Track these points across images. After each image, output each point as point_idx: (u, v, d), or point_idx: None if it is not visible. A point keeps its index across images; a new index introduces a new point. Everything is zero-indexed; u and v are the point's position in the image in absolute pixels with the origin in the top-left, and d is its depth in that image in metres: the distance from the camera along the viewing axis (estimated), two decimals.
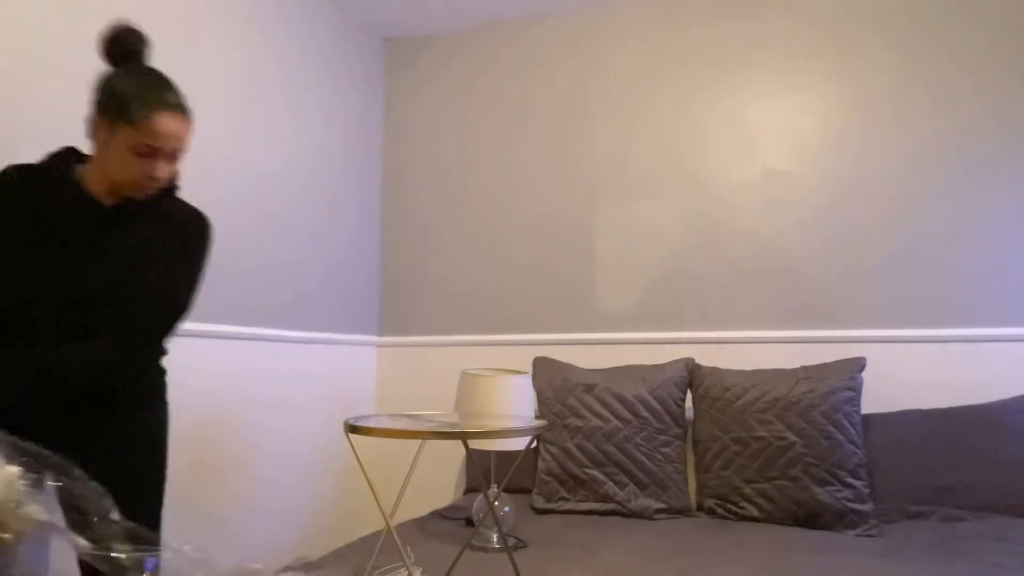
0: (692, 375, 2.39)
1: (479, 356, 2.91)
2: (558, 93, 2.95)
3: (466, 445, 1.37)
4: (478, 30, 3.10)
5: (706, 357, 2.61)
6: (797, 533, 1.99)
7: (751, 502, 2.13)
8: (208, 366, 2.19)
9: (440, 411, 2.89)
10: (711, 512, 2.21)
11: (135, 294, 1.35)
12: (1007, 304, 2.34)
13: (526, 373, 2.14)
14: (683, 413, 2.34)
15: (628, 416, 2.28)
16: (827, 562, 1.69)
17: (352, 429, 1.24)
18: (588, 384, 2.37)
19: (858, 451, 2.09)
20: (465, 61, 3.10)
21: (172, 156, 1.32)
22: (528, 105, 2.99)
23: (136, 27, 1.33)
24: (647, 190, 2.78)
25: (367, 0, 2.88)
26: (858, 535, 1.98)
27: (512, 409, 2.01)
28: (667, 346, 2.66)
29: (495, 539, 1.89)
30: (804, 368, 2.27)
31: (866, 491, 2.05)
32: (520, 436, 1.51)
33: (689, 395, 2.39)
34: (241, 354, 2.32)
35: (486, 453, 2.58)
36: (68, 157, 1.38)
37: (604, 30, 2.90)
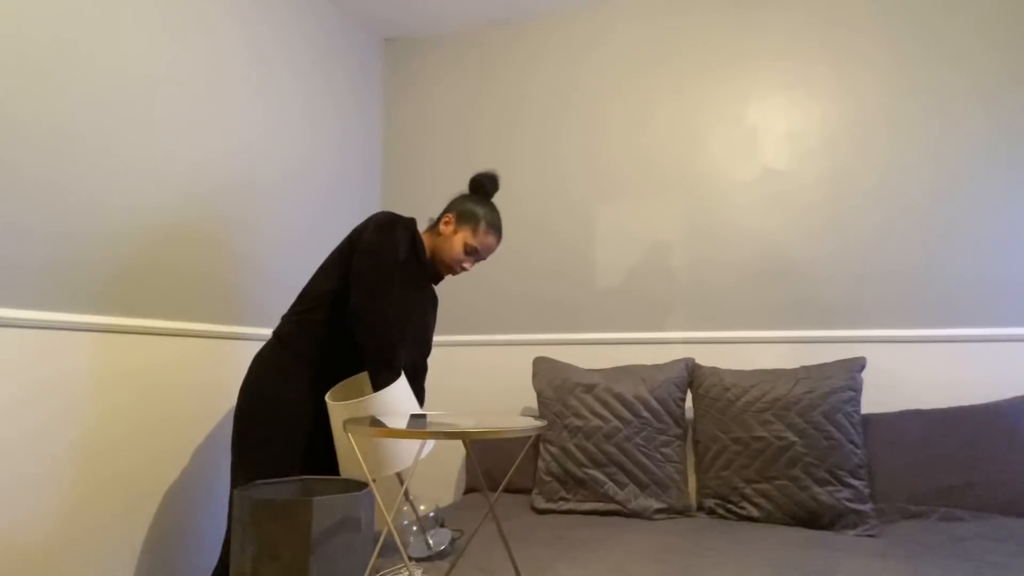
0: (692, 375, 2.39)
1: (479, 356, 2.92)
2: (558, 93, 2.95)
3: (466, 445, 1.37)
4: (478, 30, 3.10)
5: (706, 357, 2.61)
6: (797, 533, 1.99)
7: (751, 502, 2.13)
8: (216, 365, 2.19)
9: (439, 411, 2.89)
10: (711, 512, 2.21)
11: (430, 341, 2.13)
12: (1007, 304, 2.34)
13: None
14: (683, 413, 2.34)
15: (628, 416, 2.28)
16: (827, 562, 1.69)
17: (352, 429, 1.24)
18: (588, 384, 2.37)
19: (858, 451, 2.09)
20: (465, 61, 3.10)
21: (480, 260, 2.01)
22: (527, 105, 2.99)
23: (496, 174, 2.03)
24: (647, 190, 2.78)
25: (367, 0, 2.88)
26: (858, 535, 1.98)
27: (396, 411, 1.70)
28: (667, 346, 2.66)
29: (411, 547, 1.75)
30: (804, 368, 2.27)
31: (866, 491, 2.05)
32: (521, 436, 1.50)
33: (689, 395, 2.39)
34: (243, 354, 2.31)
35: (486, 454, 2.58)
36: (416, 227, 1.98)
37: (604, 31, 2.90)
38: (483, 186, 2.02)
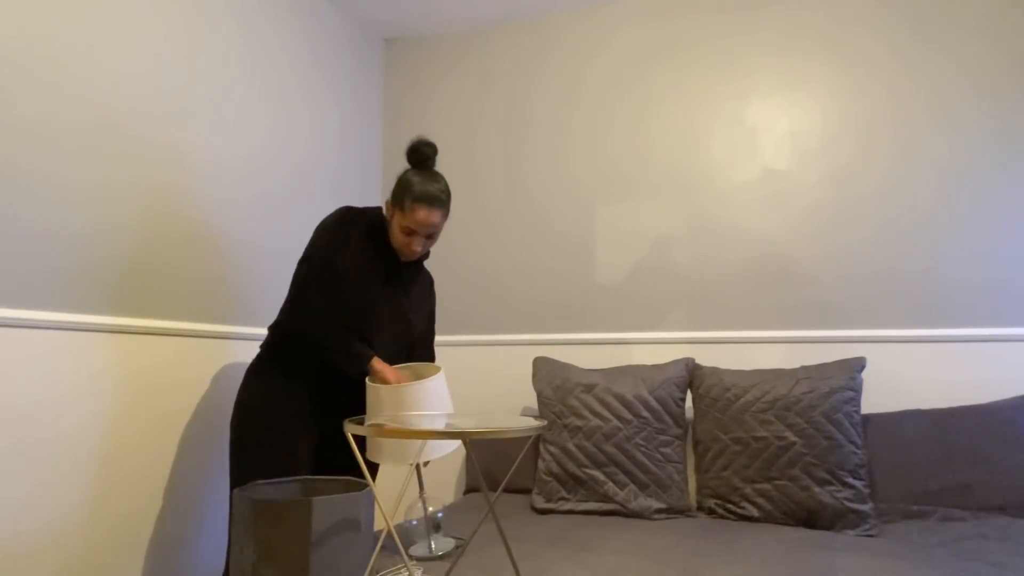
0: (692, 375, 2.39)
1: (479, 356, 2.92)
2: (558, 93, 2.95)
3: (466, 445, 1.37)
4: (478, 30, 3.10)
5: (706, 357, 2.61)
6: (797, 533, 1.99)
7: (751, 502, 2.13)
8: (217, 365, 2.19)
9: (439, 411, 2.89)
10: (711, 512, 2.21)
11: (428, 331, 2.11)
12: (1007, 304, 2.34)
13: (434, 375, 1.82)
14: (683, 413, 2.34)
15: (628, 416, 2.28)
16: (827, 562, 1.69)
17: (352, 429, 1.24)
18: (588, 384, 2.37)
19: (858, 451, 2.09)
20: (465, 61, 3.10)
21: (427, 237, 1.84)
22: (528, 105, 2.99)
23: (430, 140, 1.84)
24: (648, 190, 2.78)
25: (367, 0, 2.88)
26: (858, 535, 1.98)
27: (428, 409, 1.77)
28: (667, 346, 2.66)
29: (427, 547, 1.78)
30: (804, 368, 2.27)
31: (866, 491, 2.05)
32: (521, 436, 1.50)
33: (689, 395, 2.39)
34: (244, 354, 2.32)
35: (486, 454, 2.58)
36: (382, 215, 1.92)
37: (604, 31, 2.90)
38: (416, 153, 1.84)
